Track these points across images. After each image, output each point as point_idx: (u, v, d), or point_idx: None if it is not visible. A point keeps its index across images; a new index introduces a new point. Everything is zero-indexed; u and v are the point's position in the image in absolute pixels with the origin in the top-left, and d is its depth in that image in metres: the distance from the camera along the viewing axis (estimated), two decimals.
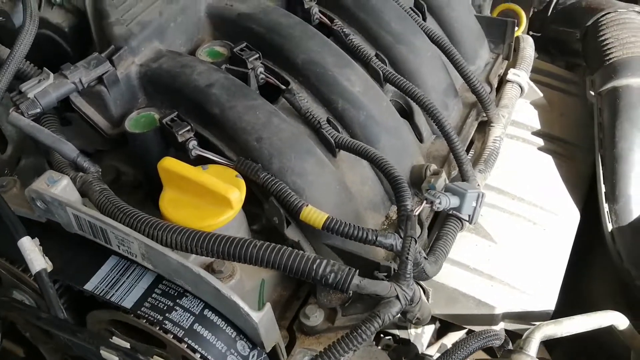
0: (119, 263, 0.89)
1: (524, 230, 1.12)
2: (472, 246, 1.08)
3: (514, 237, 1.10)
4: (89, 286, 0.87)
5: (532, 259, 1.08)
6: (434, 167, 1.05)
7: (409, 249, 0.84)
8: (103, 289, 0.86)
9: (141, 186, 1.08)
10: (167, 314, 0.83)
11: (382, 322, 0.81)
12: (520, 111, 1.31)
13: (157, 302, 0.85)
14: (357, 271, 0.79)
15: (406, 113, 1.15)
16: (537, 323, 1.03)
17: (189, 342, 0.83)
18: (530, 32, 1.52)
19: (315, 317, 0.93)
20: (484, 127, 1.22)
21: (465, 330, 1.12)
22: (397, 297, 0.82)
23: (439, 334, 1.17)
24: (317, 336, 0.93)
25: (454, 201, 0.95)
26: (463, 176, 1.08)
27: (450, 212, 0.98)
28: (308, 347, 0.92)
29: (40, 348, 1.25)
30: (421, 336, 1.09)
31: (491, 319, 1.03)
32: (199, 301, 0.84)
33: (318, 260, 0.79)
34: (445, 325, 1.16)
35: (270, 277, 0.96)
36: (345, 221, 0.87)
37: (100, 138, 1.05)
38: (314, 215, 0.88)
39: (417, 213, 0.90)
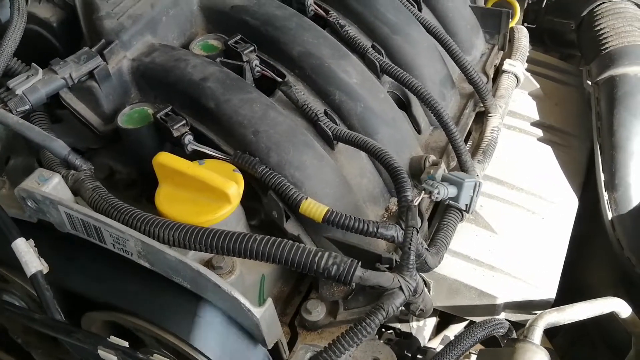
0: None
1: (523, 219, 1.12)
2: (472, 237, 1.07)
3: (513, 227, 1.10)
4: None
5: (531, 248, 1.07)
6: (432, 157, 1.04)
7: (411, 240, 0.83)
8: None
9: (135, 184, 1.06)
10: None
11: (387, 314, 0.79)
12: (516, 101, 1.30)
13: None
14: (360, 263, 0.78)
15: (403, 104, 1.14)
16: (539, 312, 1.02)
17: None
18: (525, 24, 1.51)
19: (317, 312, 0.91)
20: (481, 117, 1.21)
21: (466, 322, 1.11)
22: (401, 288, 0.81)
23: (438, 328, 1.16)
24: (320, 331, 0.92)
25: (452, 191, 0.94)
26: (462, 166, 1.07)
27: (448, 202, 0.97)
28: (310, 342, 0.91)
29: (33, 354, 1.23)
30: (423, 329, 1.08)
31: (493, 309, 1.02)
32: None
33: (320, 253, 0.77)
34: (444, 319, 1.15)
35: (271, 272, 0.94)
36: (346, 213, 0.86)
37: (92, 135, 1.03)
38: (314, 208, 0.86)
39: (416, 203, 0.89)
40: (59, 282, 0.87)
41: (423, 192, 0.91)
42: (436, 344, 1.09)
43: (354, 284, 0.78)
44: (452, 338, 1.15)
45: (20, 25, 0.99)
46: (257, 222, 0.99)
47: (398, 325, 1.08)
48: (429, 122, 1.17)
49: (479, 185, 0.94)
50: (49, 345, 1.10)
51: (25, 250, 0.85)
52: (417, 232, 0.84)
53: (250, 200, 0.95)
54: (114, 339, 0.77)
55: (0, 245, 0.90)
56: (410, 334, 1.07)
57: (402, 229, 0.88)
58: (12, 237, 0.85)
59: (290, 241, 0.78)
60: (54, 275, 0.86)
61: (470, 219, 1.08)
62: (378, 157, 0.94)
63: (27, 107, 0.93)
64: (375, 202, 1.01)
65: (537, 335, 0.84)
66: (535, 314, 1.03)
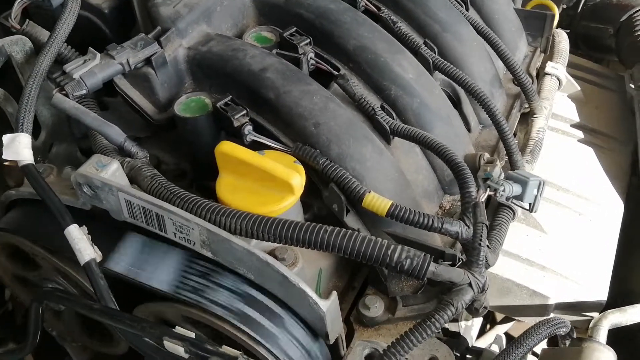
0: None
1: (571, 220, 1.11)
2: (522, 236, 1.07)
3: (562, 228, 1.09)
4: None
5: (581, 249, 1.07)
6: (487, 155, 1.03)
7: (481, 236, 0.82)
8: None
9: (184, 175, 1.04)
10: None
11: (456, 311, 0.78)
12: (557, 104, 1.30)
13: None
14: (432, 257, 0.77)
15: (453, 102, 1.13)
16: (590, 314, 1.02)
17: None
18: (559, 29, 1.52)
19: (375, 307, 0.90)
20: (526, 118, 1.21)
21: (512, 323, 1.10)
22: (470, 284, 0.80)
23: (481, 329, 1.15)
24: (377, 328, 0.91)
25: (516, 189, 0.93)
26: (512, 166, 1.06)
27: (510, 201, 0.96)
28: (367, 339, 0.89)
29: (67, 347, 1.20)
30: (470, 329, 1.07)
31: (544, 310, 1.01)
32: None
33: (392, 246, 0.76)
34: (487, 318, 1.14)
35: (327, 267, 0.93)
36: (409, 208, 0.85)
37: (141, 124, 1.01)
38: (378, 201, 0.85)
39: (482, 200, 0.88)
40: (110, 272, 0.86)
41: (488, 189, 0.90)
42: (483, 344, 1.08)
43: (425, 280, 0.77)
44: (501, 338, 1.14)
45: (75, 9, 0.97)
46: (309, 216, 0.98)
47: (446, 325, 1.06)
48: (478, 121, 1.16)
49: (543, 185, 0.94)
50: (87, 338, 1.07)
51: (79, 237, 0.82)
52: (487, 228, 0.83)
53: (304, 194, 0.94)
54: (180, 330, 0.75)
55: (51, 232, 0.89)
56: (458, 333, 1.06)
57: (466, 224, 0.87)
58: (66, 223, 0.82)
59: (362, 234, 0.77)
60: (105, 264, 0.84)
61: (520, 218, 1.07)
62: (439, 153, 0.93)
63: (83, 91, 0.91)
64: (429, 199, 1.00)
65: (602, 335, 0.84)
66: (586, 315, 1.03)
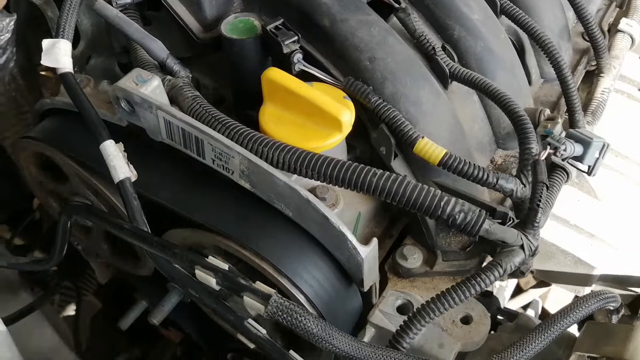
0: None
1: (628, 190, 1.04)
2: (573, 201, 1.00)
3: (617, 196, 1.02)
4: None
5: (635, 221, 1.01)
6: (548, 111, 0.96)
7: (540, 196, 0.76)
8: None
9: (223, 100, 0.99)
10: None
11: (504, 272, 0.74)
12: (627, 65, 1.20)
13: None
14: (487, 214, 0.72)
15: (517, 51, 1.04)
16: (636, 289, 0.97)
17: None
18: None
19: (413, 259, 0.86)
20: (591, 77, 1.12)
21: (548, 288, 1.06)
22: (522, 246, 0.75)
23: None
24: (412, 279, 0.87)
25: (577, 149, 0.86)
26: (573, 125, 0.99)
27: (567, 161, 0.90)
28: (401, 289, 0.86)
29: (92, 262, 1.20)
30: (504, 289, 1.03)
31: (587, 280, 0.97)
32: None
33: (446, 198, 0.71)
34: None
35: (366, 211, 0.88)
36: (464, 158, 0.79)
37: (185, 43, 0.95)
38: (431, 149, 0.79)
39: (543, 158, 0.82)
40: (144, 194, 0.82)
41: (548, 146, 0.83)
42: (514, 306, 1.05)
43: (476, 237, 0.72)
44: (538, 302, 1.11)
45: None
46: (351, 158, 0.93)
47: None
48: (540, 74, 1.08)
49: (607, 147, 0.87)
50: (116, 257, 1.06)
51: (115, 154, 0.78)
52: (547, 188, 0.77)
53: (348, 134, 0.88)
54: (213, 260, 0.71)
55: (85, 145, 0.86)
56: (492, 292, 1.02)
57: (522, 183, 0.81)
58: (102, 138, 0.78)
59: (414, 181, 0.72)
60: (139, 185, 0.81)
61: (573, 182, 1.00)
62: (501, 103, 0.86)
63: (127, 0, 0.85)
64: (482, 151, 0.94)
65: None
66: (631, 290, 0.98)
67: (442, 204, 0.70)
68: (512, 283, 1.06)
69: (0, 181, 1.15)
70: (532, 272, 0.82)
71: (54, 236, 0.83)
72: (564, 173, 0.94)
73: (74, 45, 1.02)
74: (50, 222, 1.45)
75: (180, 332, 1.31)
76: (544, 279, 1.01)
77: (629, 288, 0.96)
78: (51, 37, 1.03)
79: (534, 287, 1.07)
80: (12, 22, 1.04)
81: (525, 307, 1.12)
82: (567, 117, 1.01)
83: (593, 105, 1.07)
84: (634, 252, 0.97)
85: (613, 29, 1.20)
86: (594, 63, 1.13)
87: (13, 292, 1.33)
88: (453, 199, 0.71)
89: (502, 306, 1.02)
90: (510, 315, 1.00)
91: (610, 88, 1.10)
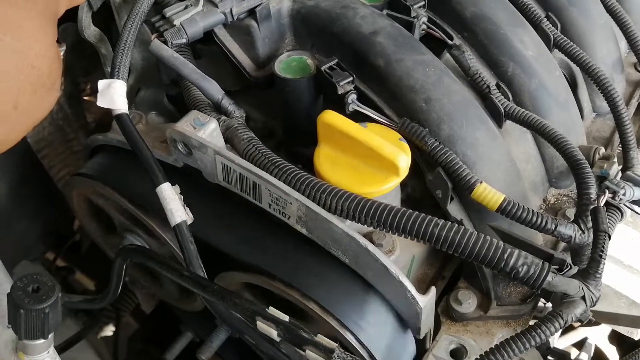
0: None
1: None
2: (628, 241, 0.98)
3: None
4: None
5: None
6: (603, 150, 0.94)
7: (603, 246, 0.74)
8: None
9: (272, 135, 0.99)
10: None
11: (565, 323, 0.72)
12: None
13: None
14: (551, 267, 0.71)
15: (570, 85, 1.02)
16: None
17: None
18: None
19: (468, 303, 0.85)
20: None
21: (598, 327, 1.04)
22: (584, 297, 0.74)
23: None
24: (465, 323, 0.86)
25: (637, 193, 0.85)
26: (627, 162, 0.96)
27: (625, 205, 0.88)
28: (454, 334, 0.85)
29: (136, 292, 1.21)
30: None
31: None
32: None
33: (509, 250, 0.70)
34: None
35: (420, 253, 0.88)
36: (521, 204, 0.78)
37: (234, 78, 0.95)
38: (490, 194, 0.78)
39: (602, 204, 0.80)
40: (199, 235, 0.83)
41: (607, 190, 0.82)
42: (562, 346, 1.03)
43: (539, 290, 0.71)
44: (591, 346, 1.09)
45: None
46: (403, 196, 0.92)
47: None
48: (592, 109, 1.06)
49: None
50: (158, 288, 1.07)
51: (171, 197, 0.78)
52: (610, 238, 0.75)
53: None
54: (273, 311, 0.71)
55: (138, 186, 0.86)
56: None
57: (581, 229, 0.80)
58: (158, 180, 0.79)
59: (476, 232, 0.70)
60: (195, 227, 0.81)
61: (628, 221, 0.98)
62: (558, 145, 0.84)
63: (183, 40, 0.86)
64: (535, 191, 0.93)
65: None
66: None
67: (505, 256, 0.69)
68: None
69: (47, 208, 1.17)
70: (591, 319, 0.81)
71: (109, 276, 0.84)
72: (618, 212, 0.92)
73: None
74: (89, 242, 1.47)
75: None
76: (599, 320, 0.99)
77: None
78: (97, 65, 1.05)
79: (584, 325, 1.05)
80: (62, 53, 1.05)
81: (577, 345, 1.09)
82: (619, 151, 0.99)
83: None
84: None
85: None
86: None
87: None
88: (516, 252, 0.69)
89: (552, 345, 1.00)
90: (560, 355, 0.98)
91: None
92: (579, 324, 1.06)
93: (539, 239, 0.89)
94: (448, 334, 0.84)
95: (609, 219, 0.90)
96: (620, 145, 0.98)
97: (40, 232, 1.18)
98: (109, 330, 1.51)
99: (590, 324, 1.05)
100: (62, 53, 1.04)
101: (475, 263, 0.71)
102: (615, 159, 0.93)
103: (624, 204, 0.90)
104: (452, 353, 0.82)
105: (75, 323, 1.24)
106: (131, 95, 1.05)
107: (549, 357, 0.98)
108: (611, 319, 0.97)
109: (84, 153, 0.99)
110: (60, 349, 1.06)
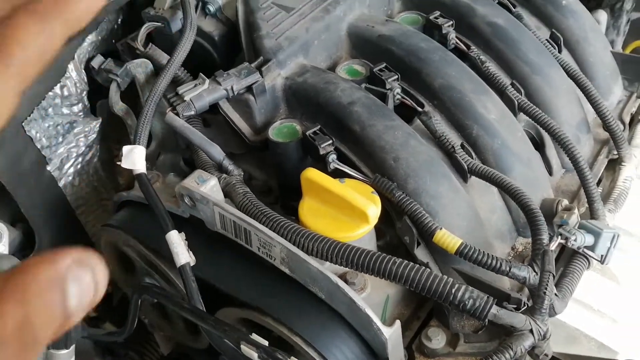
0: None
1: None
2: (596, 286, 1.05)
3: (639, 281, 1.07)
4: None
5: None
6: (565, 202, 1.04)
7: (547, 284, 0.84)
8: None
9: (270, 191, 1.14)
10: None
11: (514, 355, 0.81)
12: None
13: None
14: (495, 300, 0.80)
15: (537, 144, 1.14)
16: None
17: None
18: None
19: (437, 340, 0.94)
20: (613, 165, 1.19)
21: None
22: (531, 330, 0.82)
23: None
24: (437, 359, 0.94)
25: (588, 239, 0.93)
26: (593, 214, 1.06)
27: (582, 250, 0.96)
28: None
29: (156, 335, 1.33)
30: None
31: None
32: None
33: (457, 285, 0.80)
34: None
35: (394, 294, 0.98)
36: (479, 249, 0.88)
37: (238, 143, 1.12)
38: (448, 239, 0.89)
39: (553, 248, 0.89)
40: (202, 276, 0.96)
41: (559, 237, 0.91)
42: None
43: (486, 321, 0.80)
44: None
45: (191, 36, 1.10)
46: (382, 243, 1.04)
47: None
48: (561, 165, 1.16)
49: (617, 237, 0.93)
50: (175, 330, 1.20)
51: (177, 242, 0.93)
52: (554, 277, 0.84)
53: (380, 222, 1.00)
54: (255, 337, 0.83)
55: (153, 234, 1.01)
56: None
57: (535, 271, 0.89)
58: (167, 228, 0.94)
59: (429, 270, 0.81)
60: (198, 269, 0.95)
61: (596, 268, 1.06)
62: (514, 196, 0.95)
63: (192, 112, 1.02)
64: (502, 240, 1.03)
65: None
66: None
67: (453, 290, 0.79)
68: None
69: None
70: (546, 355, 0.88)
71: (127, 311, 0.98)
72: (585, 260, 1.01)
73: (147, 144, 1.22)
74: (120, 296, 1.62)
75: None
76: None
77: None
78: (127, 135, 1.24)
79: None
80: (98, 125, 1.25)
81: None
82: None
83: (615, 193, 1.13)
84: None
85: (636, 119, 1.28)
86: (616, 152, 1.20)
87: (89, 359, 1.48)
88: (463, 287, 0.80)
89: None
90: None
91: (632, 176, 1.16)
92: None
93: (506, 284, 0.98)
94: None
95: (576, 265, 0.99)
96: (586, 199, 1.08)
97: None
98: None
99: None
100: (98, 125, 1.25)
101: (429, 297, 0.81)
102: (576, 210, 1.02)
103: (584, 252, 0.98)
104: None
105: None
106: (153, 158, 1.22)
107: None
108: None
109: (112, 208, 1.16)
110: None
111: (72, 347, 0.71)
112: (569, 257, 1.02)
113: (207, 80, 1.04)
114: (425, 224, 0.91)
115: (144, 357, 1.59)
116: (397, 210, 0.96)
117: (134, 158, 0.99)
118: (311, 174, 0.94)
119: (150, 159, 1.23)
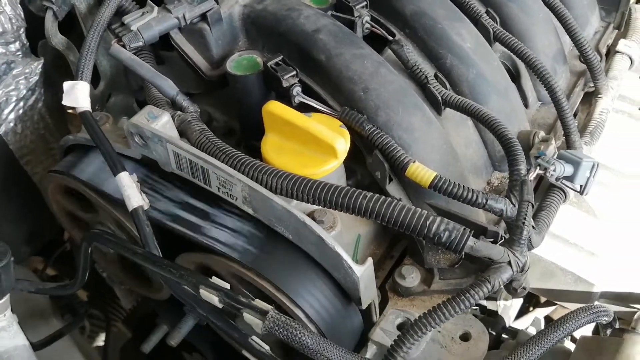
0: None
1: (627, 208, 1.05)
2: (573, 220, 1.02)
3: (616, 215, 1.04)
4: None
5: (634, 238, 1.02)
6: (542, 133, 0.99)
7: (525, 214, 0.79)
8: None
9: (232, 133, 1.06)
10: None
11: (492, 288, 0.77)
12: (627, 85, 1.22)
13: None
14: (472, 232, 0.75)
15: (513, 76, 1.08)
16: (638, 306, 0.98)
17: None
18: (637, 4, 1.41)
19: (411, 278, 0.89)
20: (590, 98, 1.15)
21: (553, 308, 1.07)
22: (509, 263, 0.78)
23: (521, 310, 1.12)
24: (411, 298, 0.90)
25: (567, 169, 0.89)
26: (570, 146, 1.02)
27: (561, 182, 0.92)
28: (401, 308, 0.89)
29: (116, 289, 1.27)
30: (509, 309, 1.05)
31: (588, 297, 0.98)
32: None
33: (431, 217, 0.75)
34: (529, 301, 1.11)
35: (366, 233, 0.93)
36: (453, 181, 0.83)
37: (195, 80, 1.03)
38: (422, 172, 0.84)
39: (531, 178, 0.85)
40: (158, 220, 0.89)
41: (538, 167, 0.87)
42: (521, 325, 1.06)
43: (462, 254, 0.75)
44: (539, 320, 1.12)
45: None
46: (353, 183, 0.98)
47: (485, 303, 1.05)
48: (537, 97, 1.11)
49: (597, 167, 0.89)
50: (135, 282, 1.13)
51: (129, 184, 0.85)
52: (533, 207, 0.80)
53: (349, 160, 0.93)
54: (216, 280, 0.77)
55: (103, 177, 0.93)
56: (497, 312, 1.04)
57: (512, 203, 0.84)
58: (117, 170, 0.86)
59: (401, 202, 0.76)
60: (153, 212, 0.87)
61: (572, 201, 1.02)
62: (491, 127, 0.90)
63: (140, 43, 0.93)
64: (477, 174, 0.98)
65: None
66: (633, 307, 0.98)
67: (427, 223, 0.74)
68: (517, 302, 1.07)
69: (31, 213, 1.24)
70: (524, 288, 0.84)
71: (76, 262, 0.90)
72: (562, 193, 0.97)
73: (95, 85, 1.12)
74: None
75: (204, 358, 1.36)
76: (547, 297, 1.02)
77: (631, 305, 0.97)
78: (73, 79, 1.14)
79: (539, 306, 1.08)
80: (40, 66, 1.14)
81: None
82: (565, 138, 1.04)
83: (591, 125, 1.09)
84: (634, 269, 0.98)
85: (612, 50, 1.23)
86: (592, 84, 1.16)
87: (45, 318, 1.40)
88: (438, 218, 0.75)
89: (507, 325, 1.03)
90: (514, 333, 1.01)
91: (608, 108, 1.12)
92: (533, 308, 1.09)
93: (482, 219, 0.93)
94: (395, 309, 0.89)
95: (553, 199, 0.96)
96: (563, 131, 1.03)
97: (24, 236, 1.25)
98: (102, 340, 1.57)
99: (543, 304, 1.09)
100: (40, 66, 1.14)
101: (402, 231, 0.75)
102: (553, 141, 0.98)
103: (564, 184, 0.94)
104: (399, 326, 0.87)
105: (61, 323, 1.29)
106: (102, 100, 1.13)
107: (504, 335, 1.01)
108: (560, 296, 1.00)
109: (59, 154, 1.07)
110: (41, 345, 1.11)
111: (6, 299, 0.63)
112: (545, 192, 0.98)
113: (156, 8, 0.94)
114: (397, 157, 0.85)
115: (108, 315, 1.52)
116: (368, 145, 0.89)
117: (77, 94, 0.90)
118: (273, 107, 0.87)
119: (99, 101, 1.14)
